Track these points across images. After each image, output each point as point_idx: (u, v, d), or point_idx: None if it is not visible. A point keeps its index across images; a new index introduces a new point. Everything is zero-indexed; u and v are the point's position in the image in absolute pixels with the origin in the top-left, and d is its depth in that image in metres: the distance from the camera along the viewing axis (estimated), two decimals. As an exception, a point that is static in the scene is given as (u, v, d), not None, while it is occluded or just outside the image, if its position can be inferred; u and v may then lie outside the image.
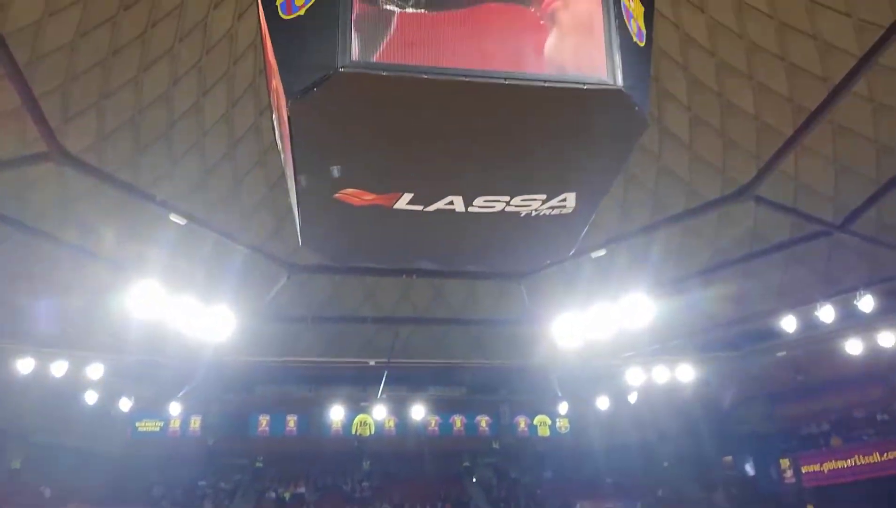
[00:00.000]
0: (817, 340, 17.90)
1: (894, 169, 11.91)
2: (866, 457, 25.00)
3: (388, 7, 4.36)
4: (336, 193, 5.33)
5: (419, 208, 5.44)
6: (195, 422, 28.81)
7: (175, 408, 21.72)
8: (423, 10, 4.39)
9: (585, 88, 4.44)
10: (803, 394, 26.46)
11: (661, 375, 18.92)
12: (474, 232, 6.03)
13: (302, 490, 28.22)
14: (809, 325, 15.59)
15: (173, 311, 13.07)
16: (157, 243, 13.48)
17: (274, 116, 6.41)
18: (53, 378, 17.17)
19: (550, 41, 4.48)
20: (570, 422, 30.86)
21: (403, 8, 4.38)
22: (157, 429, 28.32)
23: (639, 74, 4.70)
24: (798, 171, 15.61)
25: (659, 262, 13.91)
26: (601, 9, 4.56)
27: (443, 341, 19.65)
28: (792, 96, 15.17)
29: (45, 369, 16.87)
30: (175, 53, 15.06)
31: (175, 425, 28.32)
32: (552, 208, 5.59)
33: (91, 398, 19.33)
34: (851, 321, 15.53)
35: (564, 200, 5.53)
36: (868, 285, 14.05)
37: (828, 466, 25.97)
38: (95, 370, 17.66)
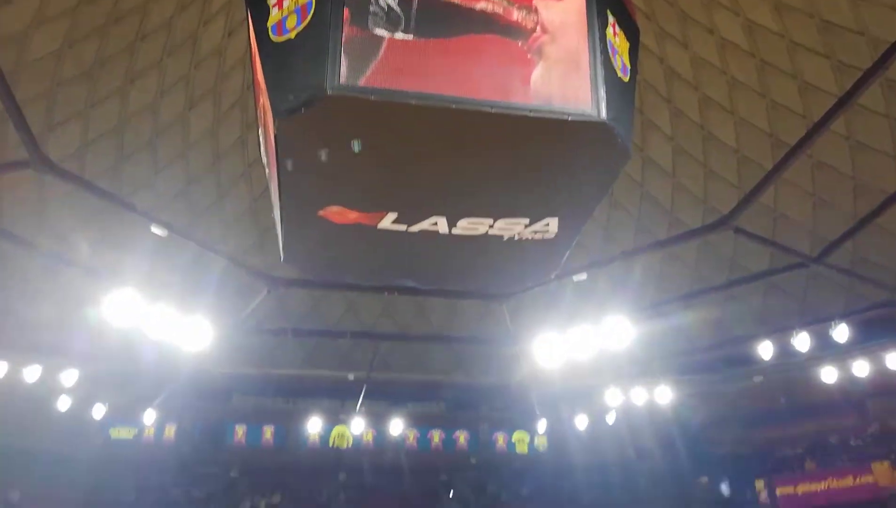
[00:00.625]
0: (793, 366, 18.12)
1: (870, 204, 12.13)
2: (840, 481, 25.26)
3: (378, 33, 4.40)
4: (320, 210, 5.34)
5: (403, 227, 5.46)
6: (169, 430, 28.50)
7: (150, 416, 21.39)
8: (411, 37, 4.44)
9: (570, 119, 4.51)
10: (778, 418, 26.74)
11: (639, 396, 19.01)
12: (457, 253, 6.06)
13: (277, 500, 27.90)
14: (786, 352, 15.77)
15: (150, 319, 12.91)
16: (135, 251, 13.33)
17: (260, 131, 6.42)
18: (25, 384, 16.86)
19: (537, 73, 4.54)
20: (548, 440, 30.84)
21: (392, 34, 4.42)
22: (131, 437, 27.97)
23: (622, 108, 4.78)
24: (777, 203, 15.89)
25: (639, 286, 14.06)
26: (587, 44, 4.64)
27: (423, 357, 19.63)
28: (772, 131, 15.48)
29: (17, 373, 16.58)
30: (163, 67, 15.02)
31: (149, 433, 27.95)
32: (535, 232, 5.64)
33: (64, 403, 18.98)
34: (827, 350, 15.75)
35: (547, 224, 5.59)
36: (843, 316, 14.26)
37: (802, 488, 26.21)
38: (69, 377, 17.37)
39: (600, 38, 4.67)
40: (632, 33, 5.21)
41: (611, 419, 21.54)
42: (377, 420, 24.11)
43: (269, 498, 27.98)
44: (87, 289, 13.66)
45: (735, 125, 16.10)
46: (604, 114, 4.51)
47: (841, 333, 14.14)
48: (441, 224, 5.41)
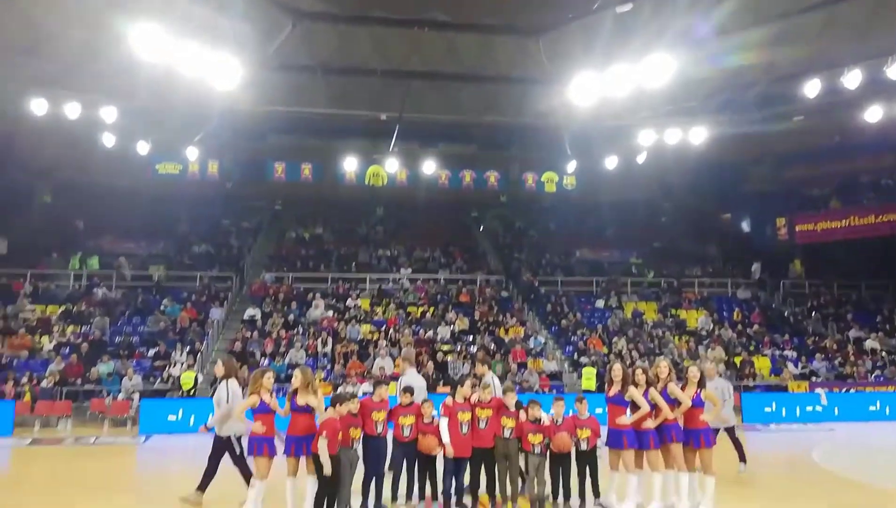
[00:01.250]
0: (836, 106, 17.43)
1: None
2: (862, 219, 26.01)
3: None
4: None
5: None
6: (213, 166, 29.87)
7: (192, 152, 22.21)
8: None
9: None
10: (812, 158, 26.66)
11: (673, 136, 18.80)
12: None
13: (320, 231, 30.12)
14: (832, 90, 15.06)
15: (178, 55, 12.76)
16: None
17: None
18: (68, 120, 17.34)
19: None
20: (576, 180, 31.57)
21: None
22: (177, 172, 29.46)
23: None
24: None
25: (685, 16, 12.95)
26: None
27: (455, 97, 19.24)
28: None
29: (59, 110, 16.96)
30: None
31: (194, 168, 29.37)
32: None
33: (109, 140, 19.68)
34: (877, 86, 14.96)
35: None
36: (904, 51, 13.28)
37: (822, 225, 27.15)
38: (109, 113, 17.73)
39: None
40: None
41: (641, 159, 21.63)
42: (410, 160, 24.68)
43: (312, 230, 30.16)
44: (110, 19, 13.36)
45: None
46: None
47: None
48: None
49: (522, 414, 7.77)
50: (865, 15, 14.53)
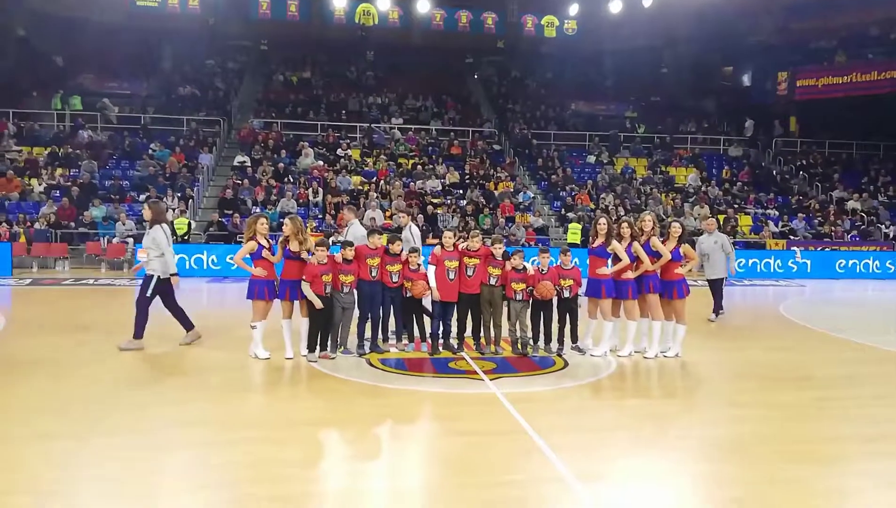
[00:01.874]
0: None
1: None
2: (864, 75, 25.45)
3: None
4: None
5: None
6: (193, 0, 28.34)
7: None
8: None
9: None
10: (822, 8, 25.48)
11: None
12: None
13: (308, 75, 29.09)
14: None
15: None
16: None
17: None
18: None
19: None
20: (578, 25, 30.18)
21: None
22: (156, 4, 27.90)
23: None
24: None
25: None
26: None
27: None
28: None
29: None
30: None
31: (173, 1, 27.77)
32: None
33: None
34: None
35: None
36: None
37: (823, 81, 26.59)
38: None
39: None
40: None
41: (647, 2, 20.52)
42: (402, -2, 23.39)
43: (299, 73, 29.09)
44: None
45: None
46: None
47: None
48: None
49: (508, 264, 8.07)
50: None
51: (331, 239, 8.50)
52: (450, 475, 4.56)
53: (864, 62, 25.69)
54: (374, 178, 21.81)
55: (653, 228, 8.19)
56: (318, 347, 7.65)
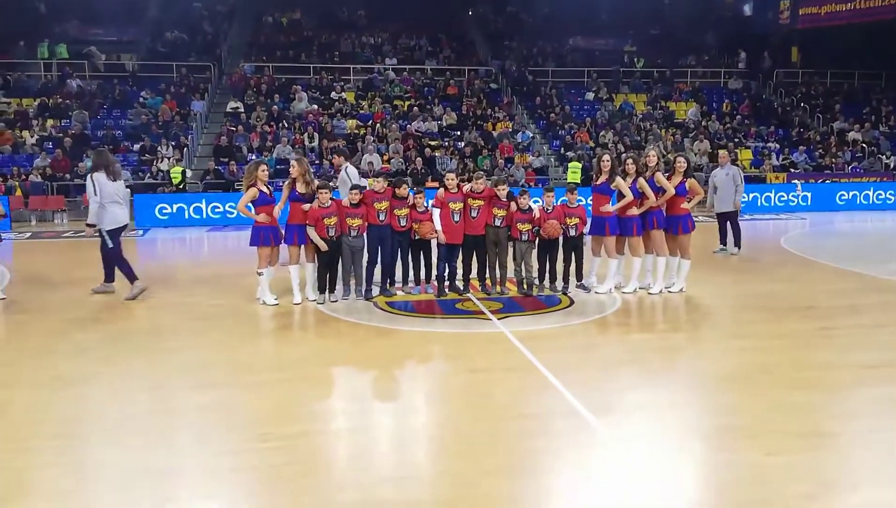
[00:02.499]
0: None
1: None
2: (868, 1, 24.80)
3: None
4: None
5: None
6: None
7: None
8: None
9: None
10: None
11: None
12: None
13: (298, 16, 28.27)
14: None
15: None
16: None
17: None
18: None
19: None
20: (575, -44, 29.09)
21: None
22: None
23: None
24: None
25: None
26: None
27: None
28: None
29: None
30: None
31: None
32: None
33: None
34: None
35: None
36: None
37: (826, 8, 25.95)
38: None
39: None
40: None
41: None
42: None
43: (289, 14, 28.25)
44: None
45: None
46: None
47: None
48: None
49: (513, 205, 8.04)
50: None
51: (331, 183, 8.47)
52: (465, 409, 4.67)
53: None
54: (370, 121, 21.50)
55: (657, 162, 8.15)
56: (326, 290, 7.70)
